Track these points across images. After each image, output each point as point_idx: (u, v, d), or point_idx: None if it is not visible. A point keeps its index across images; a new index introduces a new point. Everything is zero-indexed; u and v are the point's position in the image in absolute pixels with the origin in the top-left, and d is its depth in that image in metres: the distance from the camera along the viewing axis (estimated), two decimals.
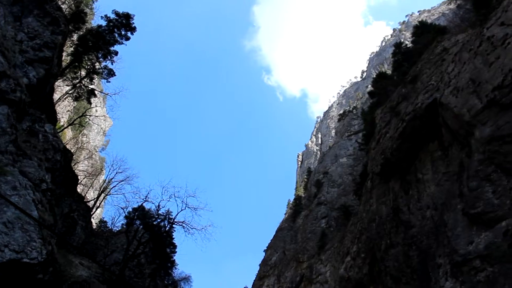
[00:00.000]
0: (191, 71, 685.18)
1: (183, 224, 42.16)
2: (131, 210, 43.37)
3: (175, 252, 47.76)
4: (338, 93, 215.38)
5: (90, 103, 50.44)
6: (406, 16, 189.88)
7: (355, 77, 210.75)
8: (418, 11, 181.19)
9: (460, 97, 18.85)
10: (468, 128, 17.53)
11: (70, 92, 46.04)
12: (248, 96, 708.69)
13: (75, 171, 42.65)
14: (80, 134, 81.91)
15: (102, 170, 75.94)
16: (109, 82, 45.82)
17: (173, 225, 43.44)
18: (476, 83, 17.74)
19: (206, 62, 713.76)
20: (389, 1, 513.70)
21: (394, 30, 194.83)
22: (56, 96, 42.03)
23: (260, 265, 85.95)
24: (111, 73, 44.63)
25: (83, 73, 43.04)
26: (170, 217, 43.32)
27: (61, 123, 65.82)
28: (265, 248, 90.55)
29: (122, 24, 41.07)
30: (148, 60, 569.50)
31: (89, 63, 42.40)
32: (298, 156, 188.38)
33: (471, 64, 18.97)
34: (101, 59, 42.78)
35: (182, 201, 43.05)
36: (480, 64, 18.01)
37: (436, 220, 20.25)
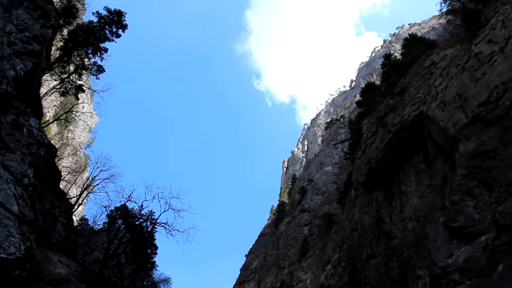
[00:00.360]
0: (181, 72, 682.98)
1: (166, 225, 41.93)
2: (113, 209, 43.02)
3: (156, 253, 47.40)
4: (326, 101, 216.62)
5: (78, 99, 49.98)
6: (397, 28, 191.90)
7: (344, 86, 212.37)
8: (409, 24, 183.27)
9: (446, 111, 19.05)
10: (452, 142, 17.72)
11: (57, 87, 45.55)
12: (237, 100, 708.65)
13: (59, 167, 42.17)
14: (66, 130, 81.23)
15: (86, 167, 75.28)
16: (98, 78, 45.43)
17: (155, 226, 43.18)
18: (462, 98, 17.96)
19: (196, 63, 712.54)
20: (381, 13, 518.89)
21: (384, 41, 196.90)
22: (43, 90, 41.59)
23: (240, 269, 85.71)
24: (100, 70, 44.30)
25: (71, 68, 42.63)
26: (153, 217, 43.07)
27: (47, 118, 65.17)
28: (247, 253, 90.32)
29: (114, 21, 40.86)
30: (138, 58, 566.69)
31: (78, 59, 42.05)
32: (283, 162, 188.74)
33: (458, 79, 19.20)
34: (90, 55, 42.43)
35: (166, 202, 42.87)
36: (467, 80, 18.25)
37: (417, 232, 20.38)
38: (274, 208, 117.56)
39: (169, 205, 42.21)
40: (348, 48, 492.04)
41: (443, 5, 34.51)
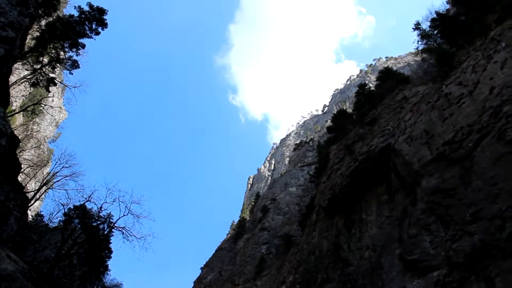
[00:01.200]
0: (158, 78, 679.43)
1: (123, 230, 41.09)
2: (71, 207, 41.95)
3: (110, 257, 46.35)
4: (298, 123, 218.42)
5: (49, 91, 48.91)
6: (374, 60, 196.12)
7: (317, 110, 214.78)
8: (386, 57, 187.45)
9: (412, 146, 19.53)
10: (416, 176, 18.14)
11: (28, 77, 44.51)
12: (210, 112, 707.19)
13: (20, 159, 40.97)
14: (31, 122, 79.21)
15: (48, 162, 73.28)
16: (72, 74, 44.50)
17: (113, 230, 42.26)
18: (429, 135, 18.47)
19: (175, 71, 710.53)
20: (362, 43, 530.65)
21: (360, 71, 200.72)
22: (12, 78, 40.57)
23: (194, 282, 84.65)
24: (75, 65, 43.49)
25: (45, 60, 41.78)
26: (111, 221, 42.15)
27: (13, 107, 63.45)
28: (202, 266, 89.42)
29: (95, 18, 40.39)
30: (116, 60, 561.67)
31: (53, 51, 41.24)
32: (249, 178, 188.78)
33: (427, 116, 19.75)
34: (67, 49, 41.67)
35: (126, 207, 42.01)
36: (435, 118, 18.80)
37: (373, 261, 20.65)
38: (235, 223, 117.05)
39: (129, 210, 41.48)
40: (325, 74, 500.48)
41: (420, 43, 35.62)
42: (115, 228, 41.93)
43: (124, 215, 41.85)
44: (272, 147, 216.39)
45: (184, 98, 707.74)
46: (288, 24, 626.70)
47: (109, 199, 43.10)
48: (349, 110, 62.26)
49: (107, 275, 48.63)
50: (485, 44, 18.91)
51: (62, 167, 49.08)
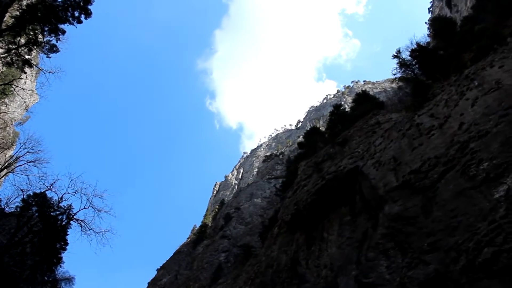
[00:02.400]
0: (137, 75, 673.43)
1: (82, 223, 40.44)
2: (31, 194, 40.99)
3: (65, 250, 45.23)
4: (270, 135, 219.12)
5: (25, 73, 47.77)
6: (352, 82, 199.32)
7: (290, 125, 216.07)
8: (364, 81, 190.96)
9: (380, 171, 19.85)
10: (380, 201, 18.41)
11: (2, 56, 43.43)
12: (186, 115, 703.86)
13: None
14: (0, 102, 77.14)
15: (13, 145, 71.30)
16: (49, 57, 43.59)
17: (71, 221, 41.53)
18: (397, 161, 18.82)
19: (154, 69, 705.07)
20: (345, 65, 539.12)
21: (338, 91, 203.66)
22: None
23: (149, 283, 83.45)
24: (53, 49, 42.50)
25: (22, 40, 40.87)
26: (71, 212, 41.43)
27: None
28: (159, 267, 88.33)
29: (79, 5, 39.74)
30: (97, 52, 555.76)
31: (32, 33, 40.39)
32: (215, 185, 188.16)
33: (397, 143, 20.14)
34: (46, 33, 40.89)
35: (88, 199, 41.44)
36: (405, 146, 19.19)
37: (329, 280, 20.78)
38: (196, 228, 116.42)
39: (90, 203, 40.91)
40: (305, 90, 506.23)
41: (398, 71, 36.24)
42: (74, 220, 41.24)
43: (85, 208, 41.21)
44: (242, 156, 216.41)
45: (162, 97, 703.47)
46: (274, 37, 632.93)
47: (71, 190, 42.32)
48: (322, 129, 62.95)
49: (60, 267, 47.43)
50: (460, 81, 19.47)
51: (27, 152, 47.80)
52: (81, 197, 41.05)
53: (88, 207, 40.81)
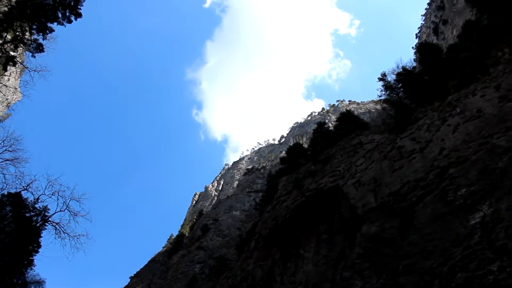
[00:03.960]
0: (126, 78, 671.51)
1: (57, 226, 39.81)
2: (5, 193, 40.23)
3: (38, 252, 44.29)
4: (253, 148, 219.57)
5: (6, 70, 47.14)
6: (337, 101, 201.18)
7: (274, 139, 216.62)
8: (349, 101, 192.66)
9: (359, 191, 19.98)
10: (358, 221, 18.49)
11: None
12: (171, 123, 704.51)
13: None
14: None
15: None
16: (34, 57, 43.18)
17: (46, 223, 40.83)
18: (377, 183, 18.97)
19: (143, 74, 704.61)
20: (333, 86, 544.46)
21: (323, 109, 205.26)
22: None
23: None
24: (39, 48, 42.08)
25: (8, 37, 40.43)
26: (46, 214, 40.76)
27: None
28: (132, 275, 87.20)
29: (69, 5, 39.51)
30: (86, 54, 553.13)
31: (19, 30, 39.99)
32: (195, 195, 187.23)
33: (378, 164, 20.33)
34: (34, 31, 40.51)
35: (64, 202, 40.81)
36: (386, 168, 19.37)
37: None
38: (173, 237, 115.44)
39: (67, 206, 40.31)
40: (292, 107, 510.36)
41: (383, 93, 36.69)
42: (49, 222, 40.59)
43: (61, 210, 40.59)
44: (224, 167, 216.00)
45: (149, 104, 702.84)
46: (265, 52, 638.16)
47: (48, 191, 41.67)
48: (305, 145, 63.14)
49: (31, 270, 46.43)
50: (442, 107, 19.81)
51: (5, 150, 47.04)
52: (58, 199, 40.47)
53: (65, 210, 40.24)
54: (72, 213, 40.36)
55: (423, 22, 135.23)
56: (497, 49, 24.35)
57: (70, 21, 40.74)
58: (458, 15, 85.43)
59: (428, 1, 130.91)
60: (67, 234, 39.72)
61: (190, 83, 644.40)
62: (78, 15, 40.76)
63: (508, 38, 24.16)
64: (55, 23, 40.21)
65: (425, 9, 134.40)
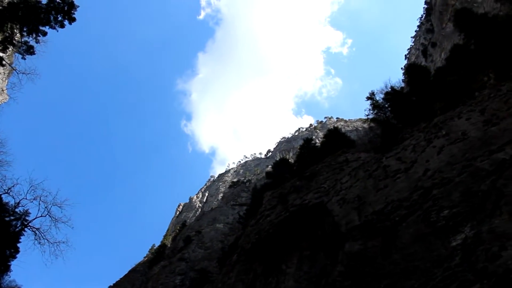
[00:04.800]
0: (116, 85, 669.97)
1: (37, 231, 39.18)
2: None
3: (15, 258, 43.45)
4: (239, 161, 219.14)
5: None
6: (325, 118, 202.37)
7: (260, 153, 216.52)
8: (337, 118, 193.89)
9: (343, 208, 20.02)
10: (341, 239, 18.49)
11: None
12: (160, 134, 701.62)
13: None
14: None
15: None
16: (24, 59, 42.76)
17: (26, 228, 40.17)
18: (361, 201, 19.04)
19: (133, 82, 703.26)
20: (323, 103, 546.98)
21: (310, 125, 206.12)
22: None
23: None
24: (29, 51, 41.72)
25: None
26: (26, 219, 40.11)
27: None
28: (111, 284, 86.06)
29: (63, 9, 39.32)
30: (77, 60, 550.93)
31: (9, 31, 39.70)
32: (179, 205, 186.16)
33: (363, 183, 20.42)
34: (25, 33, 40.23)
35: (46, 207, 40.22)
36: (370, 186, 19.46)
37: None
38: (155, 247, 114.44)
39: (48, 212, 39.70)
40: (281, 122, 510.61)
41: (371, 112, 37.01)
42: (29, 227, 39.97)
43: (42, 216, 39.98)
44: (209, 179, 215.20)
45: (137, 112, 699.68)
46: (256, 67, 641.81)
47: (30, 195, 41.03)
48: (291, 161, 63.33)
49: (7, 275, 45.54)
50: (428, 128, 20.04)
51: None
52: (39, 204, 39.88)
53: (46, 215, 39.64)
54: (53, 219, 39.76)
55: (413, 44, 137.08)
56: (483, 73, 24.81)
57: (62, 26, 40.50)
58: (447, 38, 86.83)
59: (418, 24, 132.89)
60: (47, 240, 39.11)
61: (180, 93, 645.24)
62: (72, 20, 40.50)
63: (494, 63, 24.64)
64: (47, 27, 39.99)
65: (415, 31, 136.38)
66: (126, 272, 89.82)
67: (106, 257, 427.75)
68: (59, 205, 41.69)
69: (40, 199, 40.04)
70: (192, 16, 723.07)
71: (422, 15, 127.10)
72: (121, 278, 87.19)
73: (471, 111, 18.27)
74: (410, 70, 39.64)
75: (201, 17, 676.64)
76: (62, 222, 41.48)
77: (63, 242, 44.12)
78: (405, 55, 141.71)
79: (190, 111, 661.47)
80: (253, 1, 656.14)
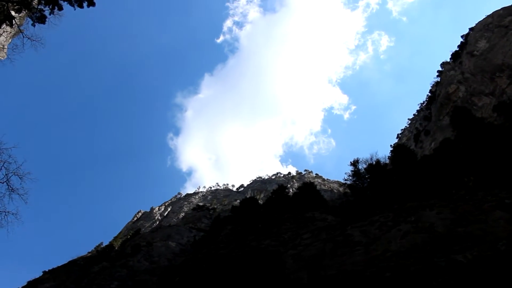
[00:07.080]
0: (115, 86, 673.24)
1: None
2: None
3: None
4: (210, 187, 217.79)
5: (0, 27, 46.21)
6: (305, 170, 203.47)
7: (233, 186, 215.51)
8: (315, 174, 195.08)
9: (297, 264, 19.90)
10: None
11: None
12: (144, 139, 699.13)
13: None
14: None
15: None
16: (34, 26, 42.40)
17: None
18: (316, 262, 18.95)
19: (132, 85, 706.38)
20: (309, 158, 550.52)
21: (289, 173, 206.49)
22: None
23: (29, 282, 78.37)
24: (41, 19, 41.29)
25: None
26: None
27: None
28: (46, 270, 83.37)
29: None
30: (80, 56, 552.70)
31: None
32: (138, 212, 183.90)
33: (323, 244, 20.38)
34: (43, 1, 40.03)
35: (6, 174, 39.25)
36: (328, 250, 19.48)
37: None
38: (101, 246, 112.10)
39: (8, 179, 38.78)
40: (265, 164, 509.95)
41: (350, 177, 37.38)
42: None
43: (0, 182, 39.01)
44: (176, 195, 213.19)
45: (130, 112, 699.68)
46: (256, 104, 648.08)
47: None
48: (261, 202, 63.20)
49: None
50: (400, 211, 20.22)
51: None
52: (0, 169, 38.96)
53: (3, 183, 38.69)
54: (9, 188, 38.76)
55: (408, 126, 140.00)
56: (465, 175, 25.29)
57: (81, 6, 40.54)
58: (440, 130, 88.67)
59: (418, 108, 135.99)
60: None
61: (176, 107, 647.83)
62: (92, 4, 40.68)
63: (478, 167, 25.18)
64: (66, 2, 39.96)
65: (414, 114, 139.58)
66: (65, 262, 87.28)
67: (50, 241, 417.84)
68: (20, 176, 40.58)
69: (3, 165, 39.14)
70: (211, 37, 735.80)
71: (424, 101, 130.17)
72: (58, 267, 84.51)
73: (443, 207, 18.50)
74: (398, 150, 40.35)
75: (219, 40, 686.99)
76: (18, 194, 40.39)
77: (13, 214, 42.88)
78: (398, 134, 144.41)
79: (180, 126, 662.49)
80: (273, 41, 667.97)
